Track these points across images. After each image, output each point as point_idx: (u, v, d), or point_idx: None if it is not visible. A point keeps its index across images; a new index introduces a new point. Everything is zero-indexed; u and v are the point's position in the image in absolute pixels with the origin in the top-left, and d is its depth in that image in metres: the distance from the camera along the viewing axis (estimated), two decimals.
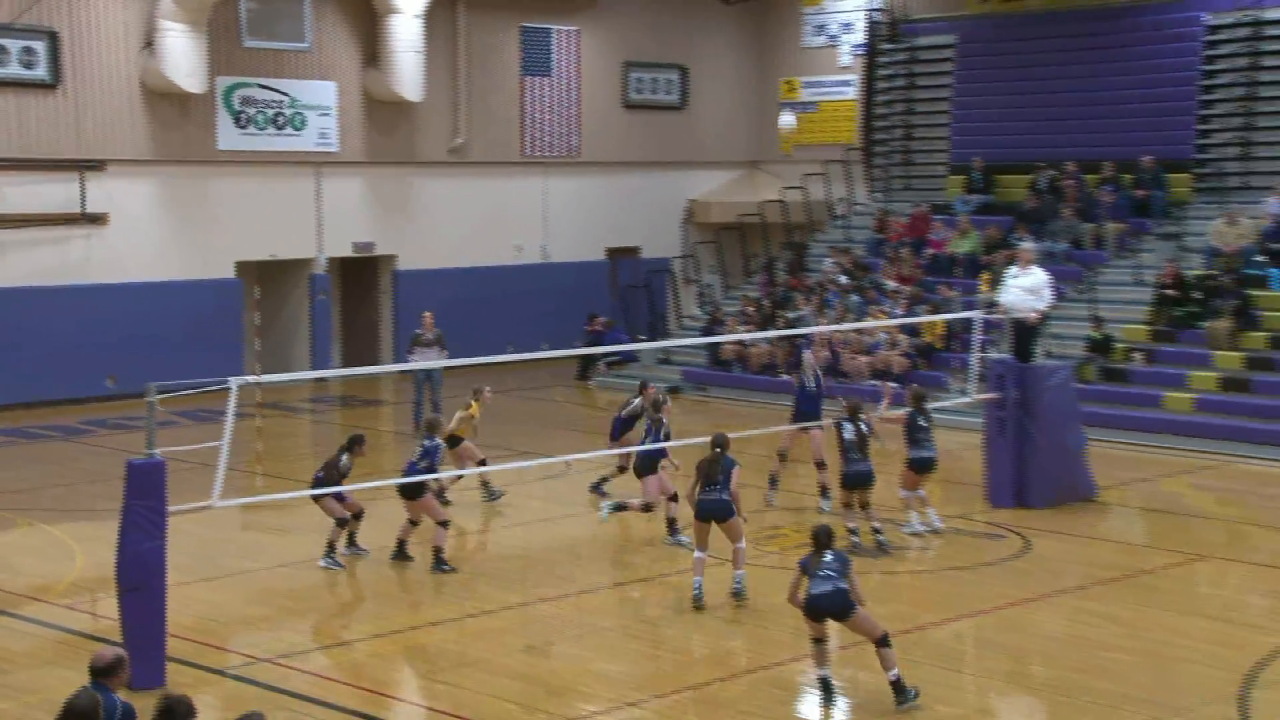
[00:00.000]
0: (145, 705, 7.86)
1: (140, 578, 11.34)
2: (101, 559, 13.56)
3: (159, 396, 11.55)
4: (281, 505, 17.17)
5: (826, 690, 10.84)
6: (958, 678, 11.84)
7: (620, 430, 17.43)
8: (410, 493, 14.58)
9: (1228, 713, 10.83)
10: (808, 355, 17.85)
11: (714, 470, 13.36)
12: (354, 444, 15.13)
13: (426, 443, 14.92)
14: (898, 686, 10.74)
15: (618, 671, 11.87)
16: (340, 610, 13.93)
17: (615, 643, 12.65)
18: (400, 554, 14.91)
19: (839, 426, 15.35)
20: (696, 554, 13.47)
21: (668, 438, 15.61)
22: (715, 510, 13.31)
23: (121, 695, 8.16)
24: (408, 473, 14.80)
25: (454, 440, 17.07)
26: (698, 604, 13.18)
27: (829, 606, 10.70)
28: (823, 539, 10.96)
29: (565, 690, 11.40)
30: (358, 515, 15.08)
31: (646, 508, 15.51)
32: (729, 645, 12.36)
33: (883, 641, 10.75)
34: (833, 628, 10.97)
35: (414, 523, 14.81)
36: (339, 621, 13.62)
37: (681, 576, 14.30)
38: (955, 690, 11.47)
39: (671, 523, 15.58)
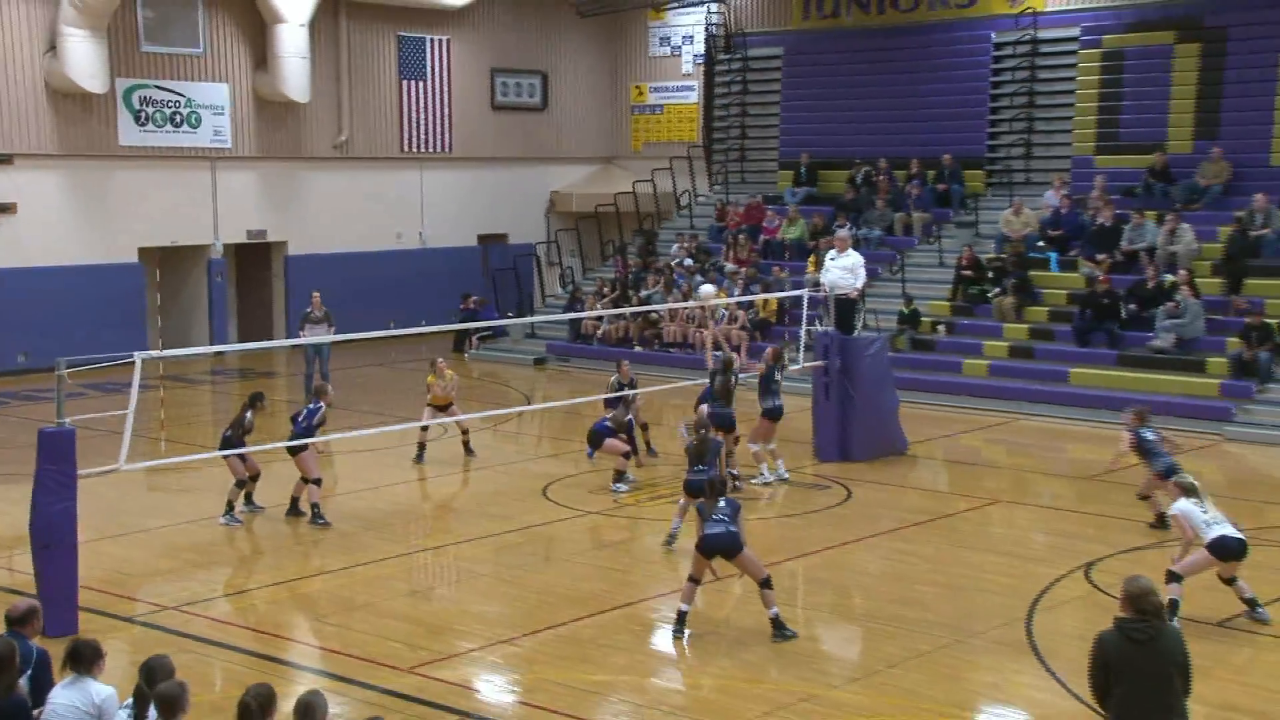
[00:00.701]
0: (58, 650, 7.68)
1: (52, 536, 11.10)
2: (16, 519, 13.12)
3: (68, 370, 11.27)
4: (183, 467, 16.80)
5: (680, 622, 10.93)
6: (791, 610, 11.98)
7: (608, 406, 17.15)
8: (295, 450, 14.54)
9: (1016, 634, 11.14)
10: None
11: (703, 451, 13.36)
12: (255, 401, 14.91)
13: (311, 405, 14.83)
14: (776, 623, 10.87)
15: (492, 612, 11.82)
16: (239, 562, 13.65)
17: (489, 587, 12.59)
18: (293, 510, 14.70)
19: (712, 376, 15.71)
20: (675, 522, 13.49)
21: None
22: (699, 488, 12.42)
23: (36, 642, 7.97)
24: (295, 433, 14.61)
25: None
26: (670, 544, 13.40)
27: (720, 546, 10.84)
28: (718, 487, 11.29)
29: (444, 630, 11.33)
30: (255, 477, 14.83)
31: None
32: (592, 588, 12.38)
33: (765, 583, 10.90)
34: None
35: (305, 480, 14.59)
36: (238, 572, 13.36)
37: (550, 528, 14.30)
38: (789, 622, 11.62)
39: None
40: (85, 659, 7.39)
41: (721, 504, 11.04)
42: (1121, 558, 13.27)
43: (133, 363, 11.80)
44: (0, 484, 16.20)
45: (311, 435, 14.62)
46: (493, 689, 10.22)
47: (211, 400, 24.04)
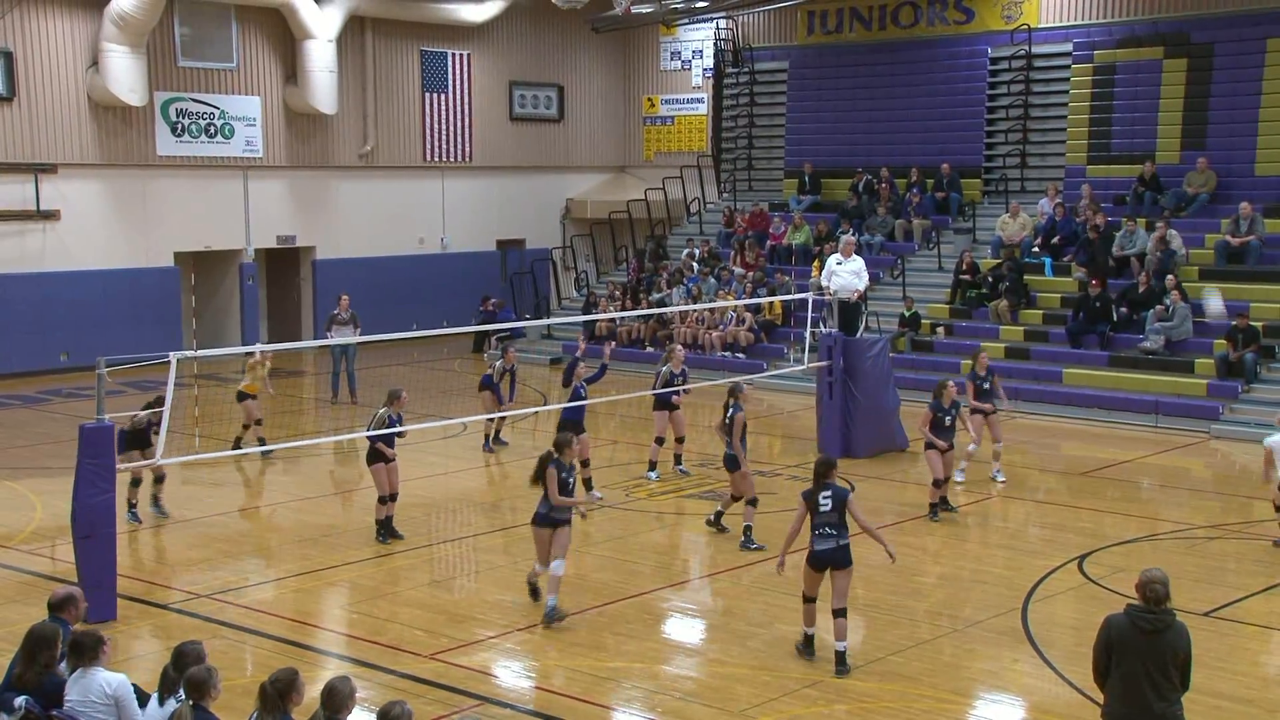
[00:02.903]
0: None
1: (92, 526, 11.08)
2: (59, 510, 13.17)
3: (107, 369, 11.27)
4: (216, 462, 16.80)
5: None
6: (795, 601, 11.93)
7: (486, 384, 17.68)
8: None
9: (1013, 623, 11.08)
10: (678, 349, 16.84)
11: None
12: (153, 405, 14.34)
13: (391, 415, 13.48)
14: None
15: (509, 602, 11.77)
16: (268, 552, 13.62)
17: (507, 577, 12.54)
18: (389, 532, 13.58)
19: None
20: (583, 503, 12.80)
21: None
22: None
23: (77, 627, 7.96)
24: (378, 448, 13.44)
25: (241, 396, 16.86)
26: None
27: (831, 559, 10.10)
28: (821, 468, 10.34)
29: (465, 618, 11.29)
30: (159, 478, 14.37)
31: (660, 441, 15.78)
32: (604, 578, 12.33)
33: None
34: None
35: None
36: (268, 562, 13.33)
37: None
38: (795, 611, 11.55)
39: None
40: (87, 649, 7.31)
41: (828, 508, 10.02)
42: (1113, 550, 13.20)
43: (169, 362, 11.77)
44: (44, 477, 16.24)
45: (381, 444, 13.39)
46: (510, 675, 10.17)
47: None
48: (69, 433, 13.21)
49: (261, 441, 16.51)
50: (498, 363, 18.01)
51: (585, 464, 14.80)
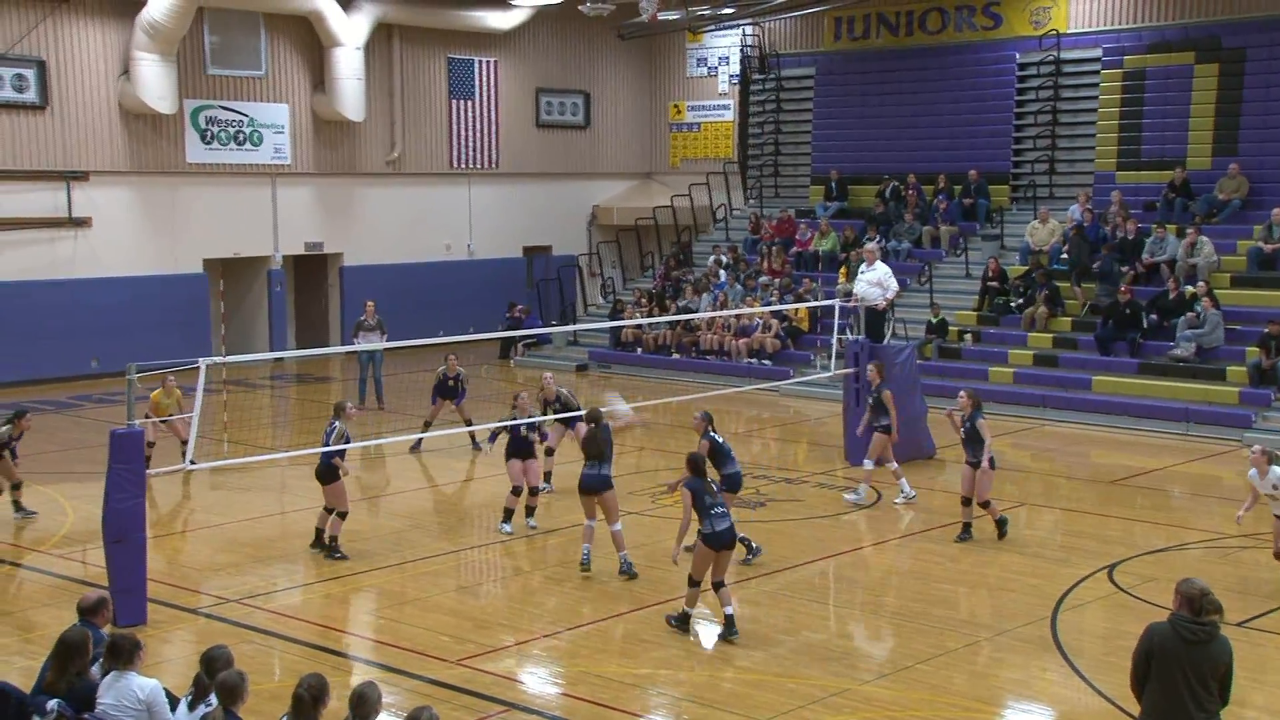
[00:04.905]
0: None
1: (123, 531, 11.16)
2: (89, 515, 13.29)
3: (137, 375, 11.34)
4: (244, 467, 16.88)
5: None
6: (823, 608, 11.95)
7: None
8: (325, 478, 13.23)
9: (1041, 632, 11.02)
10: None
11: (595, 446, 12.46)
12: (17, 417, 14.76)
13: (328, 426, 13.29)
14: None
15: (536, 608, 11.81)
16: (297, 558, 13.68)
17: (533, 584, 12.59)
18: (319, 543, 13.46)
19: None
20: (587, 523, 12.66)
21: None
22: (596, 484, 12.39)
23: (106, 630, 8.03)
24: (322, 460, 13.23)
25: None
26: (585, 569, 12.54)
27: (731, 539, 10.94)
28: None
29: (491, 624, 11.33)
30: (15, 485, 14.68)
31: (516, 491, 14.17)
32: (629, 585, 12.32)
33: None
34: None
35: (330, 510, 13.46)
36: (296, 567, 13.40)
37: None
38: (821, 619, 11.58)
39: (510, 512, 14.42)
40: (124, 652, 7.39)
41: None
42: (1143, 559, 13.11)
43: (197, 368, 11.85)
44: (75, 481, 16.38)
45: (337, 459, 13.09)
46: (537, 681, 10.20)
47: (271, 404, 24.17)
48: (100, 438, 13.33)
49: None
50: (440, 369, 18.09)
51: (535, 492, 14.37)
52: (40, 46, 23.97)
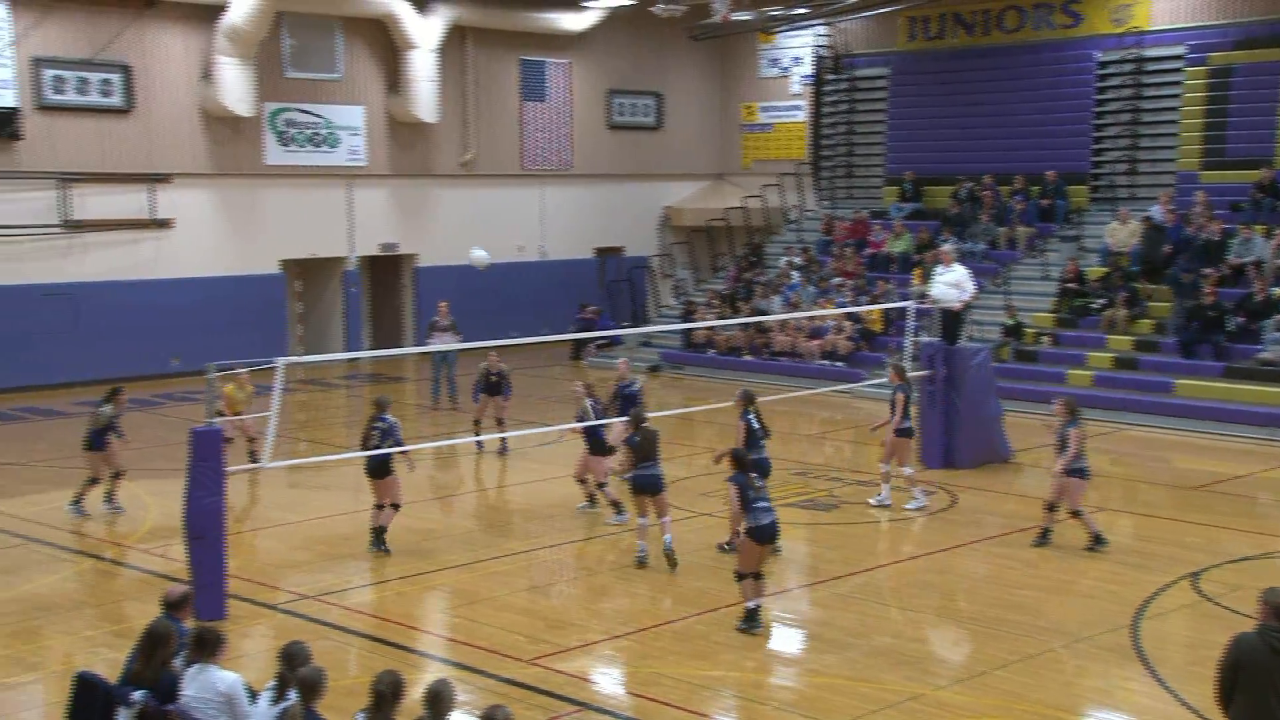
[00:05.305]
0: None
1: (203, 527, 11.33)
2: (171, 511, 13.52)
3: (217, 374, 11.50)
4: (321, 466, 17.09)
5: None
6: (897, 612, 11.83)
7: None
8: (379, 473, 13.41)
9: (1122, 639, 10.83)
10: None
11: (649, 446, 12.69)
12: (114, 394, 15.09)
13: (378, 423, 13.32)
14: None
15: (608, 608, 11.83)
16: (371, 556, 13.82)
17: (606, 584, 12.60)
18: (379, 542, 13.58)
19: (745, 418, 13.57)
20: (640, 521, 12.90)
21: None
22: (652, 484, 12.69)
23: (188, 624, 8.17)
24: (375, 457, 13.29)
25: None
26: (641, 565, 12.74)
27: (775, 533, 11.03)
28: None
29: (563, 624, 11.36)
30: (116, 475, 15.04)
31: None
32: (703, 585, 12.31)
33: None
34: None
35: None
36: (370, 565, 13.54)
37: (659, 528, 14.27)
38: (895, 623, 11.47)
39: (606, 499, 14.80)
40: (209, 645, 7.54)
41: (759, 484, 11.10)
42: (1228, 568, 12.84)
43: (275, 368, 12.00)
44: (157, 478, 16.68)
45: (387, 457, 13.27)
46: (609, 681, 10.21)
47: (346, 403, 24.47)
48: (180, 435, 13.57)
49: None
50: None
51: (602, 485, 14.74)
52: (125, 51, 24.49)
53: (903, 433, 15.17)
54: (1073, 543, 13.77)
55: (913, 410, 15.66)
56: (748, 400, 13.46)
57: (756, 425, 13.37)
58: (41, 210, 23.82)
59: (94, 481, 15.07)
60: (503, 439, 18.14)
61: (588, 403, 14.73)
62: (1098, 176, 26.46)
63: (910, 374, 17.78)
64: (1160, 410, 20.42)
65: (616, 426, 14.63)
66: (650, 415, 15.46)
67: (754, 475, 11.21)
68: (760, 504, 10.89)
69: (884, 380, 20.09)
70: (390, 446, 13.27)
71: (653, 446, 12.80)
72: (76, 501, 14.99)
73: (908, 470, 15.24)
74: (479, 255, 15.36)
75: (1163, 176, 25.44)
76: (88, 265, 24.41)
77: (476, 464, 18.25)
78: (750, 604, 10.94)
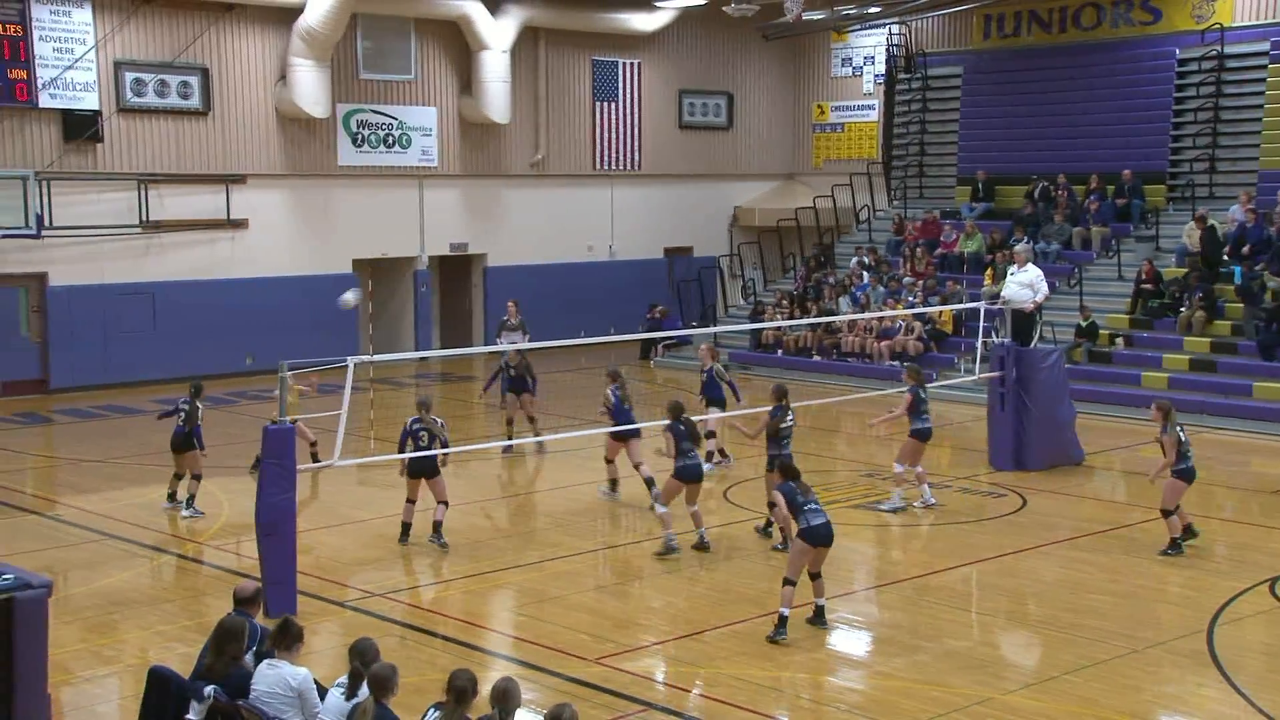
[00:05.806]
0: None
1: (275, 524, 11.45)
2: (243, 508, 13.71)
3: (289, 372, 11.64)
4: (390, 464, 17.22)
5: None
6: (966, 615, 11.71)
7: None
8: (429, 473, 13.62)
9: (1197, 645, 10.63)
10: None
11: (695, 433, 13.30)
12: (196, 394, 15.24)
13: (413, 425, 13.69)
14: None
15: (674, 608, 11.83)
16: (439, 554, 13.94)
17: (673, 584, 12.59)
18: (438, 535, 13.81)
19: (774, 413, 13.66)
20: (659, 510, 13.38)
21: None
22: (700, 473, 13.29)
23: (259, 620, 8.28)
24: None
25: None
26: (675, 553, 13.22)
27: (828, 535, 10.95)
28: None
29: (630, 624, 11.38)
30: (196, 476, 15.10)
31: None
32: (770, 587, 12.24)
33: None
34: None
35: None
36: (438, 563, 13.65)
37: (729, 529, 14.26)
38: (964, 626, 11.36)
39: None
40: (290, 637, 7.66)
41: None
42: None
43: (346, 366, 12.12)
44: (231, 476, 16.95)
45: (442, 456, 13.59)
46: (674, 681, 10.20)
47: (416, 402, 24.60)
48: (253, 434, 13.76)
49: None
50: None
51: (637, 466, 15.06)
52: (203, 54, 24.92)
53: (917, 434, 14.99)
54: (1148, 547, 13.54)
55: (930, 411, 15.38)
56: (780, 396, 13.65)
57: (790, 421, 13.58)
58: (121, 211, 24.32)
59: (179, 477, 15.32)
60: (539, 441, 18.15)
61: (609, 390, 15.10)
62: (1175, 175, 25.98)
63: (980, 375, 17.61)
64: (1238, 413, 20.03)
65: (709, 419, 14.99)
66: (717, 415, 15.50)
67: (803, 481, 11.15)
68: (810, 507, 10.88)
69: (956, 381, 19.94)
70: (438, 447, 13.54)
71: (695, 434, 13.29)
72: (189, 501, 15.08)
73: (899, 468, 15.13)
74: (347, 298, 15.43)
75: (1244, 175, 24.92)
76: (166, 265, 24.88)
77: (536, 464, 18.29)
78: (784, 610, 10.81)
